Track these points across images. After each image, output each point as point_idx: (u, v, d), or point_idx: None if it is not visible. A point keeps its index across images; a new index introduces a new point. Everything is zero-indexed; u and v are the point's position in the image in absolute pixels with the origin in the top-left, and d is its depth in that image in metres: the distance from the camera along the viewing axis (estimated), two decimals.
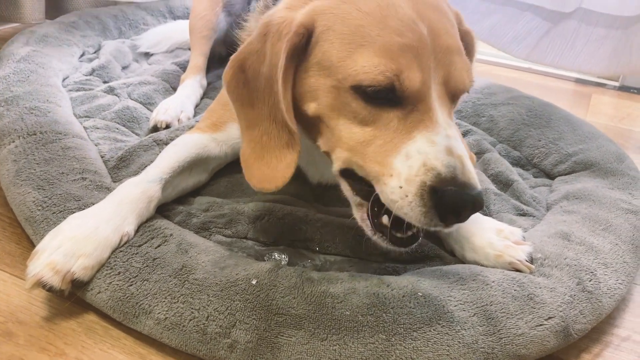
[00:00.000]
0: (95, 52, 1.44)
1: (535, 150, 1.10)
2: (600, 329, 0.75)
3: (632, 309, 0.80)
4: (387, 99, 0.63)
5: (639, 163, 1.15)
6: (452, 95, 0.66)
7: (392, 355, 0.61)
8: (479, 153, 1.10)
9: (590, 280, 0.73)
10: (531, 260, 0.75)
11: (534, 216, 0.92)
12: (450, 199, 0.59)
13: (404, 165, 0.61)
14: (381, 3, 0.65)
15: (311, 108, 0.69)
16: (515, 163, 1.10)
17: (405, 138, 0.62)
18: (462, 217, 0.60)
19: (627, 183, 0.95)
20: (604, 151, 1.03)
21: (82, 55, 1.41)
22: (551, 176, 1.05)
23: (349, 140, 0.66)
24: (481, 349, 0.63)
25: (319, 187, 0.94)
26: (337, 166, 0.69)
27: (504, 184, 1.01)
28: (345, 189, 0.71)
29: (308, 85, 0.69)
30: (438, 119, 0.62)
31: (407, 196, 0.60)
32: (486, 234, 0.78)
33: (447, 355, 0.62)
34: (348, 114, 0.65)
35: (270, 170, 0.69)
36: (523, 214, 0.93)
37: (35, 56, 1.25)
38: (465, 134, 1.17)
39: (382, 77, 0.61)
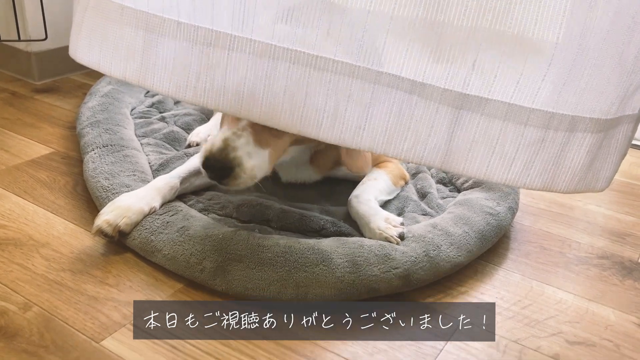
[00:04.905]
0: None
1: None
2: (444, 284, 1.15)
3: (477, 277, 1.19)
4: None
5: None
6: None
7: (291, 279, 1.04)
8: (417, 173, 1.52)
9: (434, 251, 1.13)
10: (402, 238, 1.16)
11: (432, 216, 1.32)
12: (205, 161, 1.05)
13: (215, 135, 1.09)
14: None
15: None
16: (441, 181, 1.51)
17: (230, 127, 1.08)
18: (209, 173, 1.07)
19: (499, 196, 1.34)
20: None
21: (147, 92, 1.94)
22: (459, 191, 1.45)
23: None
24: (346, 281, 1.05)
25: (289, 186, 1.40)
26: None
27: (423, 194, 1.42)
28: None
29: None
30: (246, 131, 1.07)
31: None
32: (378, 221, 1.20)
33: (325, 282, 1.05)
34: None
35: None
36: (425, 214, 1.33)
37: (114, 93, 1.77)
38: None
39: None
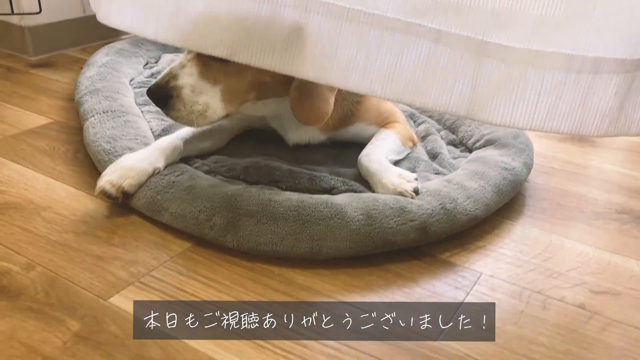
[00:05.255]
0: (155, 62, 1.92)
1: (465, 134, 1.46)
2: (461, 239, 1.12)
3: (494, 232, 1.16)
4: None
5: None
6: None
7: (304, 233, 1.01)
8: (426, 136, 1.48)
9: (450, 204, 1.10)
10: (416, 193, 1.13)
11: (444, 174, 1.29)
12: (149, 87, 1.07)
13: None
14: None
15: None
16: (451, 143, 1.47)
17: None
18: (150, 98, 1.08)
19: (514, 152, 1.30)
20: (507, 131, 1.38)
21: (146, 64, 1.89)
22: (471, 151, 1.41)
23: None
24: (362, 233, 1.01)
25: (296, 148, 1.36)
26: None
27: (433, 155, 1.38)
28: None
29: None
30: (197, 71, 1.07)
31: None
32: (391, 176, 1.16)
33: (340, 235, 1.01)
34: None
35: None
36: (437, 173, 1.30)
37: (112, 63, 1.73)
38: (421, 124, 1.56)
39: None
